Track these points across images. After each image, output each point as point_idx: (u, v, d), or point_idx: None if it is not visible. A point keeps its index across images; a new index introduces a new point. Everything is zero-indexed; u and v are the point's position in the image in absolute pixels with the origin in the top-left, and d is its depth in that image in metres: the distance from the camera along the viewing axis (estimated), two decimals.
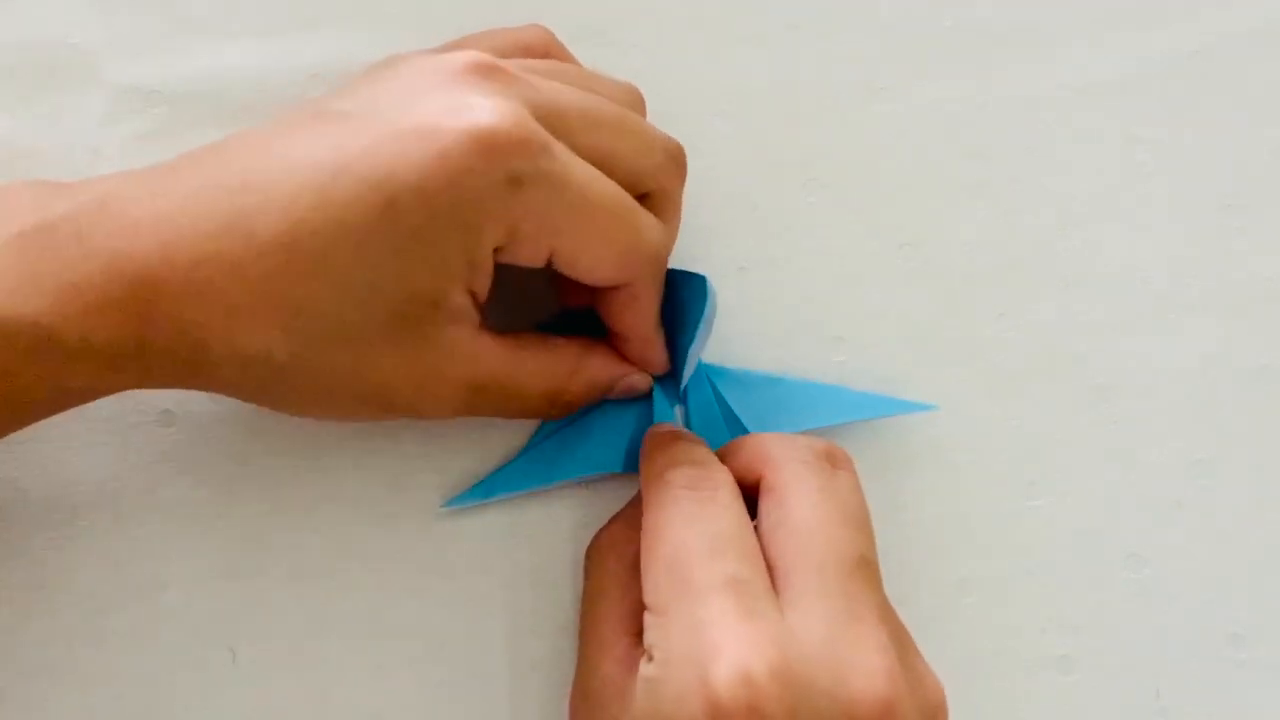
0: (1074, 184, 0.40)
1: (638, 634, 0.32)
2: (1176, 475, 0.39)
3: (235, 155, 0.32)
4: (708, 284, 0.35)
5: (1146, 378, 0.39)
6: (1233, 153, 0.40)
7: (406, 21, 0.39)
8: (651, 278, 0.34)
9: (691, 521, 0.32)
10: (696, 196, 0.37)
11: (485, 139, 0.30)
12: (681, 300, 0.36)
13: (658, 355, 0.36)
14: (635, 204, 0.33)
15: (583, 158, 0.32)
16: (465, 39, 0.36)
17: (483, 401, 0.34)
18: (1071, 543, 0.38)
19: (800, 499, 0.32)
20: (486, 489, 0.37)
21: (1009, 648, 0.38)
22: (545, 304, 0.38)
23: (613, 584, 0.34)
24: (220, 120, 0.38)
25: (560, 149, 0.31)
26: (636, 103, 0.36)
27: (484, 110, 0.30)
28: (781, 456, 0.33)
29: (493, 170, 0.30)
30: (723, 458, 0.35)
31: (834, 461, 0.33)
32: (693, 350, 0.36)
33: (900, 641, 0.31)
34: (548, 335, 0.35)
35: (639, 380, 0.36)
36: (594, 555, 0.35)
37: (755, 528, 0.32)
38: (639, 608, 0.32)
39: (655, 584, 0.31)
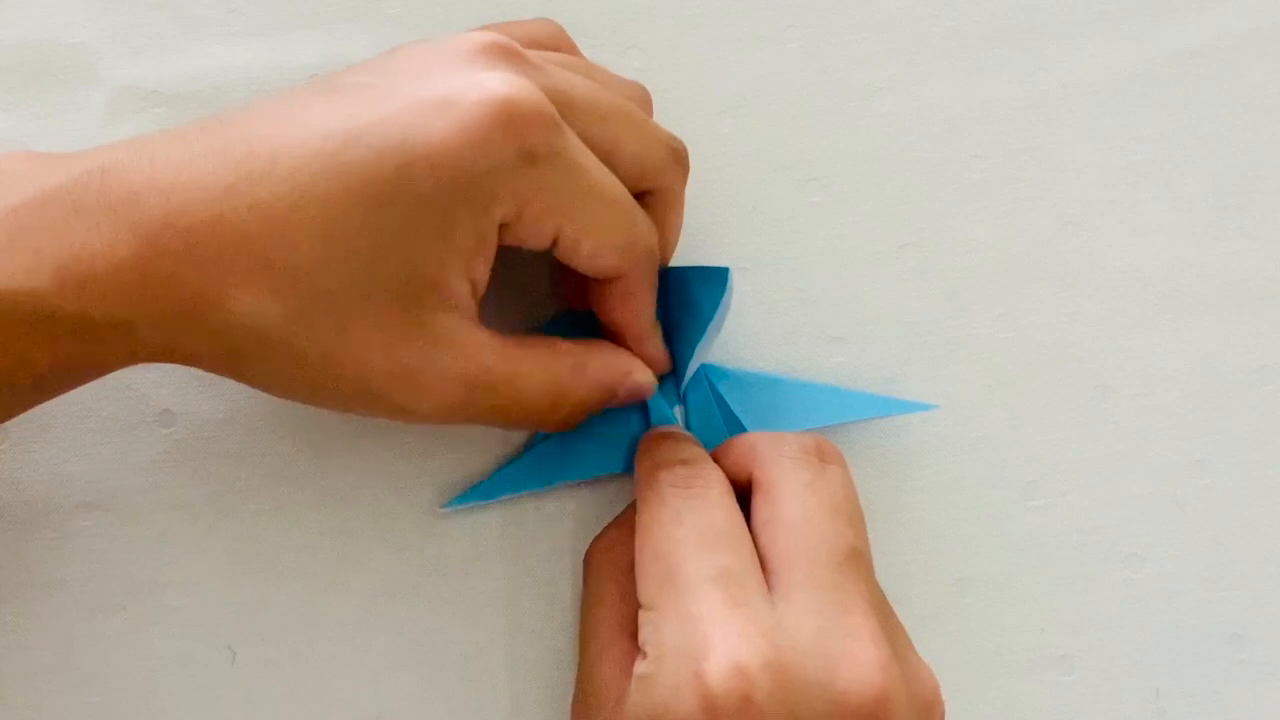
0: (1074, 184, 0.40)
1: (635, 636, 0.32)
2: (1176, 475, 0.39)
3: (241, 124, 0.31)
4: (729, 275, 0.35)
5: (1146, 378, 0.39)
6: (1233, 153, 0.40)
7: (406, 21, 0.39)
8: (647, 274, 0.34)
9: (682, 518, 0.32)
10: (696, 196, 0.37)
11: (504, 112, 0.30)
12: (689, 299, 0.36)
13: (654, 352, 0.36)
14: (633, 200, 0.33)
15: (588, 148, 0.32)
16: (476, 30, 0.36)
17: (480, 401, 0.33)
18: (1071, 543, 0.38)
19: (790, 494, 0.32)
20: (487, 490, 0.37)
21: (1009, 647, 0.38)
22: (542, 309, 0.38)
23: (610, 588, 0.34)
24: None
25: (570, 132, 0.31)
26: (644, 101, 0.36)
27: (502, 84, 0.30)
28: (770, 453, 0.33)
29: (509, 144, 0.30)
30: (715, 458, 0.35)
31: (823, 456, 0.34)
32: (702, 344, 0.36)
33: (893, 634, 0.32)
34: (549, 336, 0.35)
35: (643, 378, 0.35)
36: (591, 560, 0.35)
37: (748, 525, 0.32)
38: (636, 610, 0.32)
39: (647, 581, 0.31)
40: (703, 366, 0.37)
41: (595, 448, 0.37)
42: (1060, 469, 0.39)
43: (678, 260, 0.36)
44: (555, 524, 0.37)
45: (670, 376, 0.37)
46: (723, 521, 0.32)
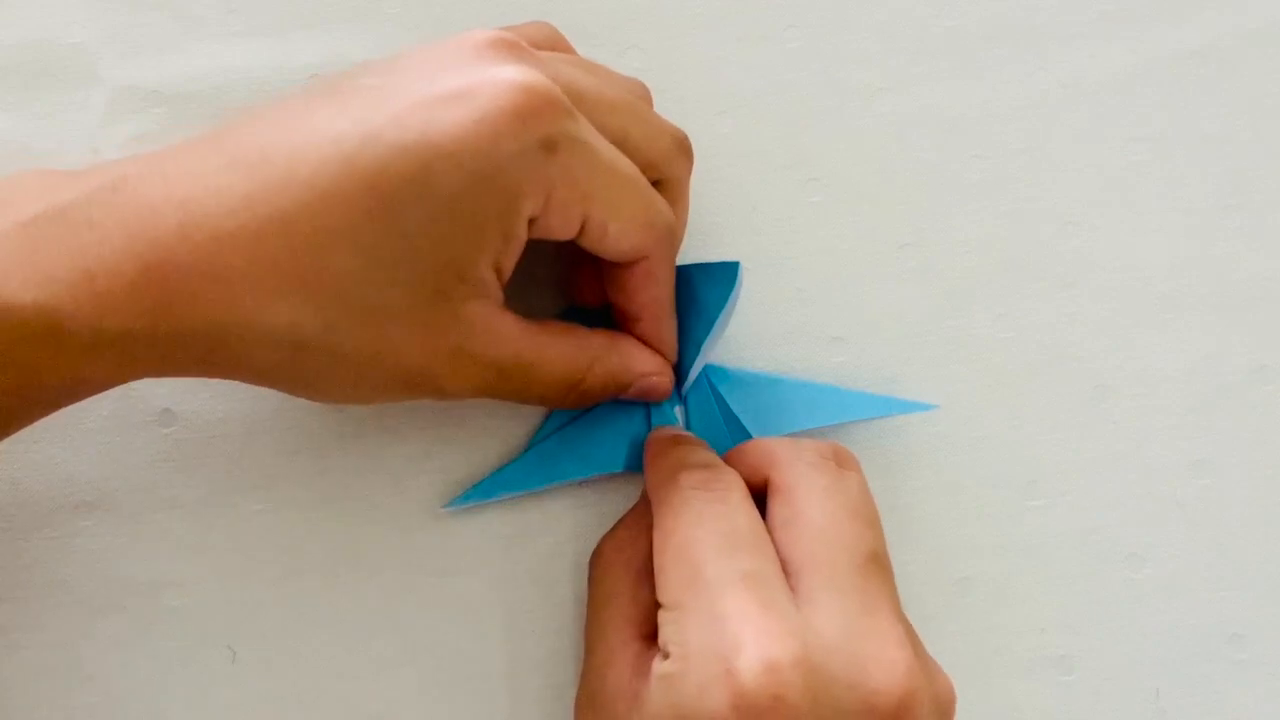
0: (1074, 184, 0.40)
1: (647, 638, 0.32)
2: (1176, 475, 0.39)
3: (251, 131, 0.31)
4: (739, 270, 0.35)
5: (1146, 378, 0.39)
6: (1233, 153, 0.40)
7: (406, 21, 0.39)
8: (667, 253, 0.34)
9: (704, 520, 0.32)
10: (697, 196, 0.37)
11: (521, 103, 0.30)
12: (694, 297, 0.36)
13: (671, 337, 0.36)
14: (648, 182, 0.34)
15: None
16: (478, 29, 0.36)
17: (504, 383, 0.33)
18: (1071, 543, 0.38)
19: (809, 497, 0.32)
20: (487, 489, 0.37)
21: (1009, 647, 0.38)
22: (551, 302, 0.38)
23: (620, 589, 0.33)
24: (220, 120, 0.38)
25: (584, 119, 0.31)
26: (643, 96, 0.36)
27: (516, 75, 0.30)
28: (788, 458, 0.33)
29: (528, 134, 0.30)
30: (729, 461, 0.35)
31: (841, 461, 0.34)
32: (707, 343, 0.36)
33: (912, 637, 0.32)
34: (572, 324, 0.35)
35: (660, 382, 0.36)
36: (599, 561, 0.35)
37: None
38: (648, 612, 0.32)
39: (670, 582, 0.31)
40: (704, 367, 0.37)
41: (596, 447, 0.37)
42: (1060, 469, 0.39)
43: (681, 260, 0.36)
44: (555, 524, 0.37)
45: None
46: (745, 524, 0.32)
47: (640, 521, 0.34)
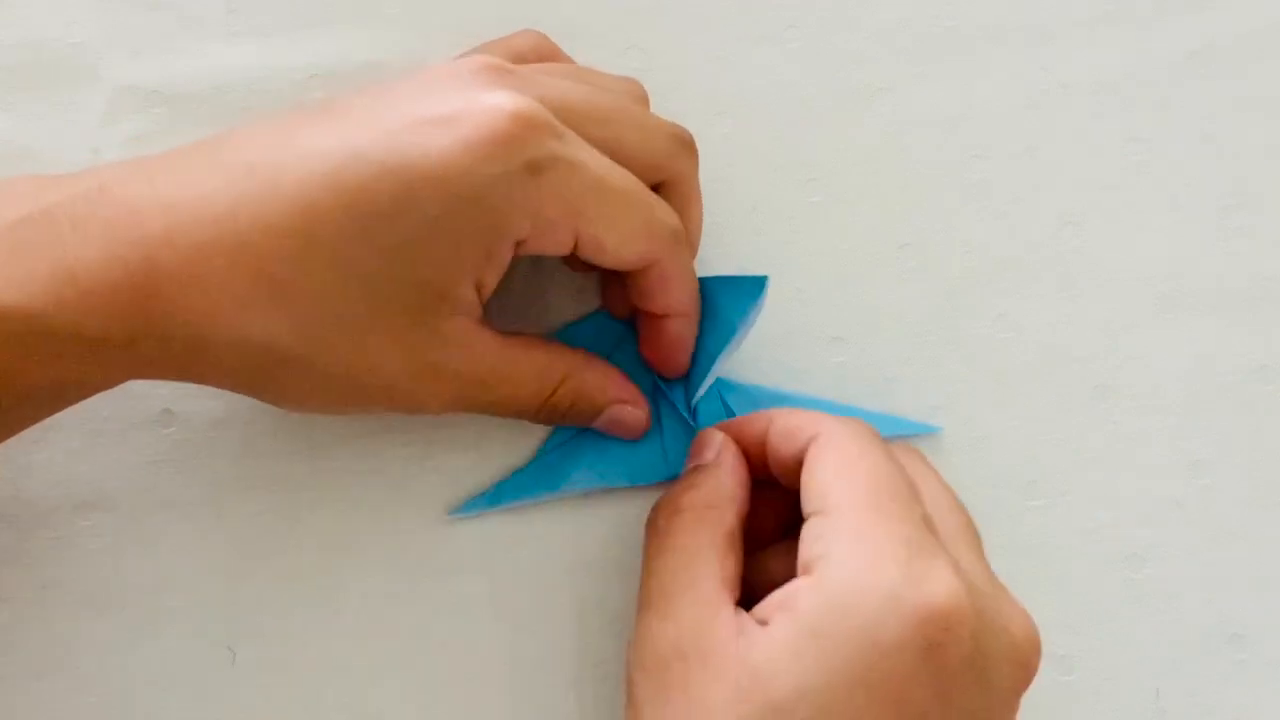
0: (1073, 184, 0.40)
1: (736, 600, 0.32)
2: (1176, 475, 0.39)
3: (240, 144, 0.31)
4: (765, 284, 0.35)
5: (1146, 378, 0.39)
6: (1233, 153, 0.40)
7: (406, 22, 0.39)
8: (678, 255, 0.34)
9: (891, 459, 0.32)
10: None
11: (504, 129, 0.30)
12: (713, 308, 0.36)
13: (686, 340, 0.36)
14: (645, 187, 0.33)
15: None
16: (459, 55, 0.36)
17: (474, 396, 0.33)
18: (1071, 543, 0.38)
19: (928, 477, 0.34)
20: (494, 497, 0.37)
21: None
22: (559, 312, 0.38)
23: (708, 548, 0.33)
24: (220, 120, 0.38)
25: (573, 136, 0.32)
26: (639, 96, 0.36)
27: (502, 100, 0.30)
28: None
29: (512, 158, 0.30)
30: (753, 432, 0.35)
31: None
32: (723, 355, 0.36)
33: None
34: (552, 340, 0.35)
35: (630, 415, 0.36)
36: (679, 515, 0.34)
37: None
38: (735, 578, 0.32)
39: (840, 495, 0.31)
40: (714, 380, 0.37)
41: (601, 459, 0.37)
42: (1060, 469, 0.39)
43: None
44: (556, 526, 0.37)
45: (682, 386, 0.37)
46: (906, 481, 0.33)
47: (729, 479, 0.34)
